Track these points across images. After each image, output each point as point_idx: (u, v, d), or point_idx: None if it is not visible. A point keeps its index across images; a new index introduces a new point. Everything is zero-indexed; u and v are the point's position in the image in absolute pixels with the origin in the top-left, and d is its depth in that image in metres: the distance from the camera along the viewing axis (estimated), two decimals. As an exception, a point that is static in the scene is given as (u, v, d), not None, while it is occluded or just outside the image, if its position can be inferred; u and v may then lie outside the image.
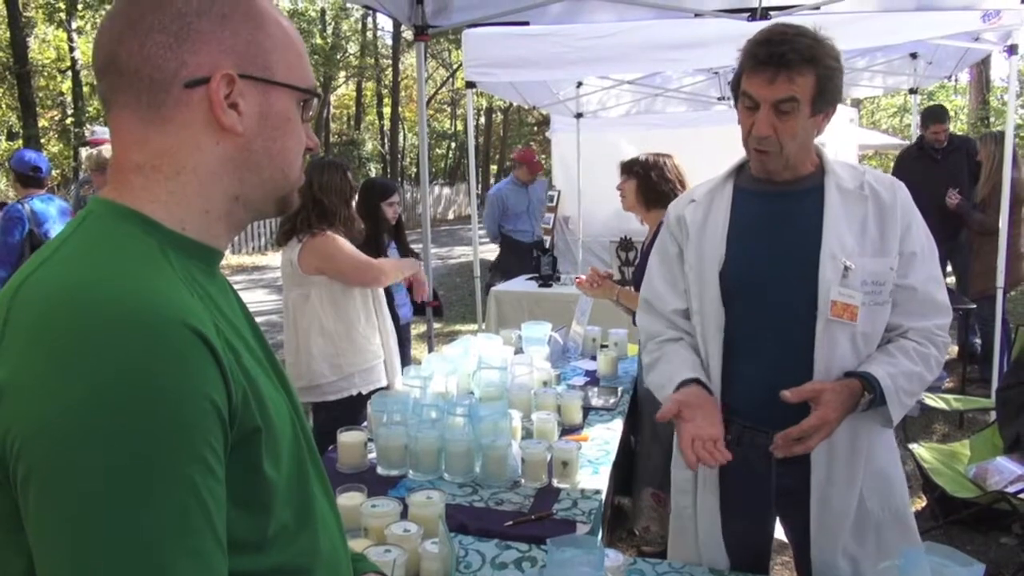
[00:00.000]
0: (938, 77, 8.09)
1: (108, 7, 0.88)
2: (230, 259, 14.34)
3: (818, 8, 4.17)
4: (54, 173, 17.81)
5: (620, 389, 2.95)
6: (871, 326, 1.69)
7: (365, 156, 29.10)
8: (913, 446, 3.64)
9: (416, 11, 4.20)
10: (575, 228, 8.69)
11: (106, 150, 4.47)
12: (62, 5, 18.24)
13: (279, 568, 0.83)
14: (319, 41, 25.01)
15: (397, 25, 22.58)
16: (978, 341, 5.62)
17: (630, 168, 3.16)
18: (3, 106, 20.30)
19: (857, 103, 16.90)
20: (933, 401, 4.13)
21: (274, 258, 13.39)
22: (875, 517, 1.75)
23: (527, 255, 6.11)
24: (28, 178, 4.58)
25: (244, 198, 0.88)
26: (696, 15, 4.43)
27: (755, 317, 1.73)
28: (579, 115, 8.32)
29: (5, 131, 20.91)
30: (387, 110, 30.38)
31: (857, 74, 7.30)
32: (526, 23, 4.72)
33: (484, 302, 5.69)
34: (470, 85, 5.71)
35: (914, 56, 6.83)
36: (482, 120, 33.09)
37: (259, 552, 0.81)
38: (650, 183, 3.07)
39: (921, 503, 3.69)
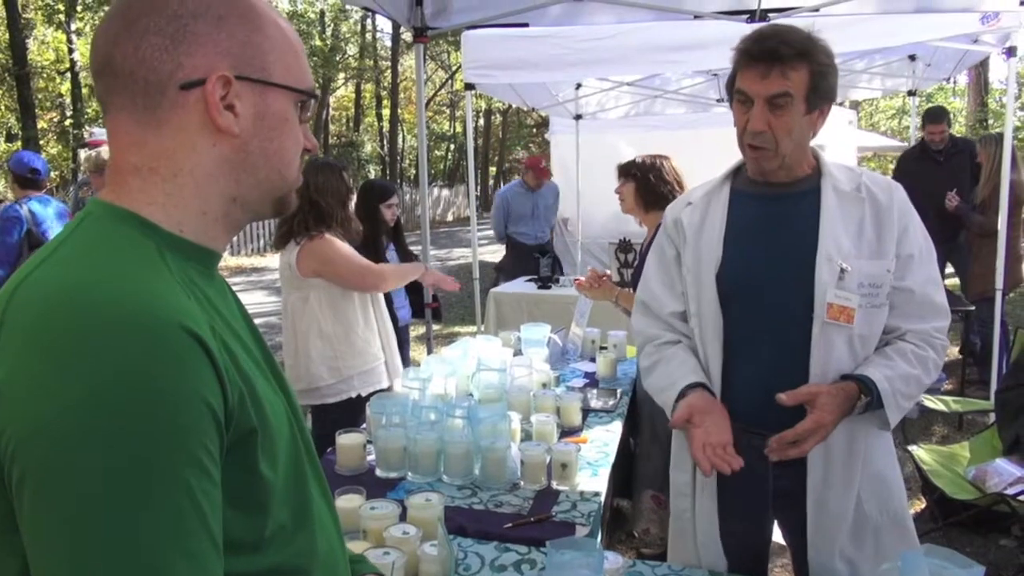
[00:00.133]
0: (937, 79, 8.10)
1: (107, 9, 0.88)
2: (229, 260, 14.35)
3: (817, 10, 4.17)
4: (53, 175, 17.81)
5: (619, 391, 2.94)
6: (868, 328, 1.69)
7: (364, 158, 29.13)
8: (912, 448, 3.64)
9: (415, 13, 4.20)
10: (574, 230, 8.70)
11: (105, 152, 4.46)
12: (61, 7, 18.24)
13: (276, 569, 0.83)
14: (318, 43, 25.03)
15: (396, 27, 22.58)
16: (977, 342, 5.62)
17: (628, 170, 3.16)
18: (2, 108, 20.30)
19: (856, 105, 16.91)
20: (932, 403, 4.13)
21: (273, 260, 13.38)
22: (873, 520, 1.74)
23: (528, 257, 6.11)
24: (26, 180, 4.57)
25: (241, 199, 0.88)
26: (695, 17, 4.43)
27: (752, 319, 1.73)
28: (578, 117, 8.32)
29: (4, 133, 20.90)
30: (386, 112, 30.39)
31: (856, 76, 7.31)
32: (525, 25, 4.73)
33: (483, 304, 5.69)
34: (469, 87, 5.72)
35: (913, 58, 6.84)
36: (481, 122, 33.10)
37: (256, 553, 0.81)
38: (648, 185, 3.07)
39: (920, 505, 3.69)
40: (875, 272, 1.66)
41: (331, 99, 29.40)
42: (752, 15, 4.12)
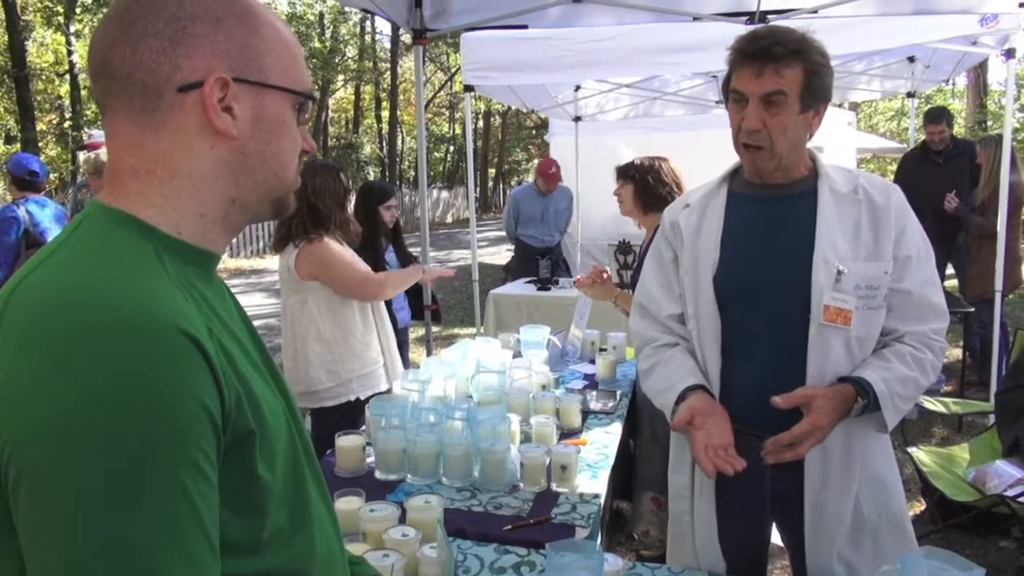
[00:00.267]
0: (936, 81, 8.11)
1: (106, 11, 0.88)
2: (228, 263, 14.35)
3: (816, 12, 4.17)
4: (52, 177, 17.81)
5: (619, 393, 2.94)
6: (865, 330, 1.68)
7: (363, 159, 29.16)
8: (912, 449, 3.64)
9: (414, 14, 4.20)
10: (573, 231, 8.70)
11: (103, 154, 4.45)
12: (60, 9, 18.26)
13: (274, 571, 0.83)
14: (318, 45, 25.05)
15: (395, 29, 22.62)
16: (977, 344, 5.61)
17: (626, 172, 3.15)
18: (1, 110, 20.31)
19: (855, 107, 16.93)
20: (932, 404, 4.13)
21: (272, 262, 13.39)
22: (871, 523, 1.74)
23: (533, 260, 6.12)
24: (24, 182, 4.58)
25: (240, 201, 0.88)
26: (694, 19, 4.43)
27: (749, 322, 1.73)
28: (577, 118, 8.33)
29: (3, 135, 20.91)
30: (385, 114, 30.41)
31: (855, 78, 7.31)
32: (525, 26, 4.73)
33: (483, 306, 5.69)
34: (468, 89, 5.72)
35: (912, 60, 6.84)
36: (480, 124, 33.15)
37: (254, 555, 0.81)
38: (647, 187, 3.07)
39: (920, 507, 3.69)
40: (872, 274, 1.66)
41: (330, 101, 29.42)
42: (751, 17, 4.12)
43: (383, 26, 31.92)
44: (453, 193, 28.78)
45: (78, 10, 18.46)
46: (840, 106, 9.76)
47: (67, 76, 19.62)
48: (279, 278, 3.23)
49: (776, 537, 1.92)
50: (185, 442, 0.69)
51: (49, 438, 0.66)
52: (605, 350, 3.44)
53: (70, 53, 18.58)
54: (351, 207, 3.38)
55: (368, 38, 31.17)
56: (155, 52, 0.80)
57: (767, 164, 1.68)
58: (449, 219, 27.61)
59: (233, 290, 0.98)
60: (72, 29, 18.52)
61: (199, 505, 0.70)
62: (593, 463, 2.29)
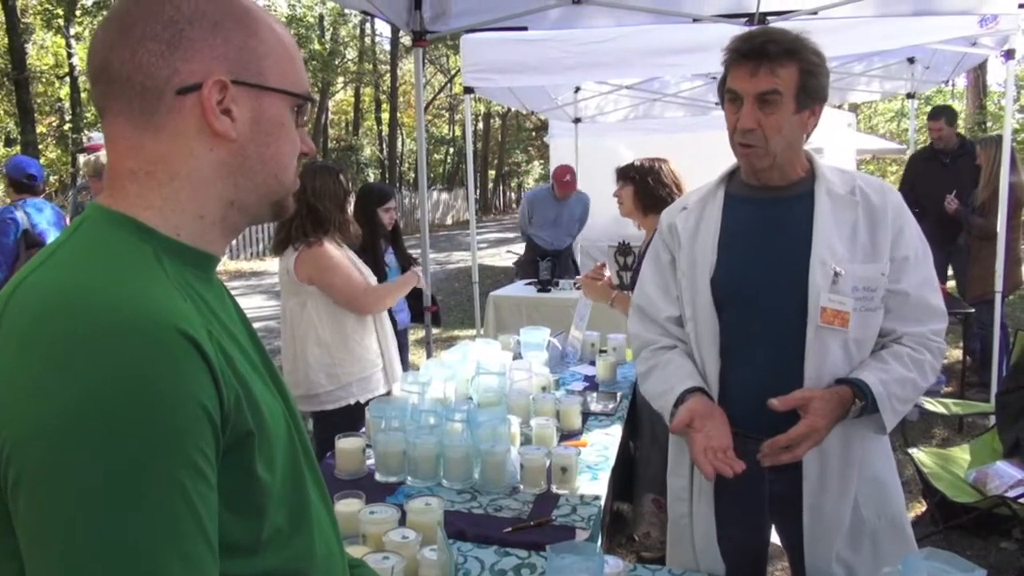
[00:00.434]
0: (935, 82, 8.12)
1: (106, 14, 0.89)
2: (228, 265, 14.36)
3: (815, 13, 4.18)
4: (52, 179, 17.84)
5: (619, 394, 2.94)
6: (863, 332, 1.68)
7: (363, 161, 29.16)
8: (913, 451, 3.64)
9: (414, 16, 4.21)
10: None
11: (103, 156, 4.43)
12: (60, 11, 18.29)
13: (273, 571, 0.84)
14: (317, 47, 25.06)
15: (395, 31, 22.64)
16: (977, 345, 5.61)
17: (626, 174, 3.16)
18: (1, 112, 20.32)
19: (854, 108, 16.94)
20: (932, 405, 4.13)
21: (272, 264, 13.40)
22: (870, 524, 1.74)
23: (538, 260, 6.12)
24: (22, 184, 4.58)
25: (239, 203, 0.88)
26: (694, 20, 4.43)
27: (747, 324, 1.73)
28: (577, 120, 8.34)
29: (3, 137, 20.92)
30: (385, 115, 30.44)
31: (854, 79, 7.32)
32: (524, 28, 4.73)
33: (482, 307, 5.68)
34: (468, 90, 5.71)
35: (911, 61, 6.85)
36: (480, 125, 33.18)
37: (253, 556, 0.81)
38: (647, 188, 3.07)
39: (921, 508, 3.68)
40: (869, 275, 1.66)
41: (330, 103, 29.44)
42: (751, 18, 4.12)
43: (383, 28, 31.99)
44: (453, 195, 28.80)
45: (78, 13, 18.49)
46: (840, 107, 9.76)
47: (67, 79, 19.64)
48: (279, 281, 3.23)
49: (776, 538, 1.92)
50: (184, 443, 0.69)
51: (49, 439, 0.66)
52: (605, 352, 3.43)
53: (70, 56, 18.60)
54: (350, 209, 3.38)
55: (368, 40, 31.21)
56: (154, 55, 0.80)
57: (762, 162, 1.68)
58: (449, 221, 27.62)
59: (233, 292, 0.98)
60: (72, 32, 18.54)
61: (198, 506, 0.70)
62: (593, 465, 2.29)
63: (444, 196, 28.04)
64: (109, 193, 0.84)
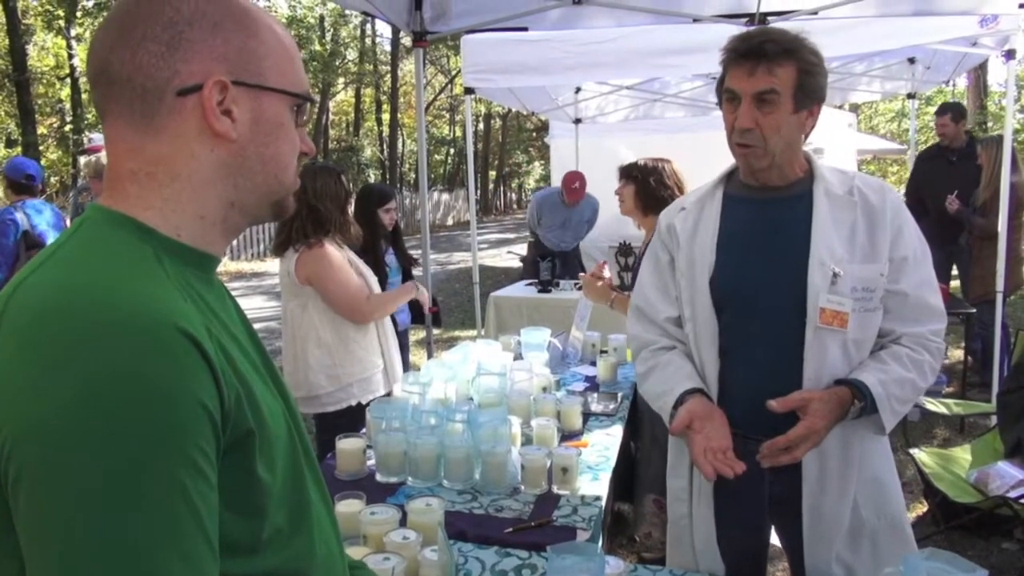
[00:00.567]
0: (936, 82, 8.10)
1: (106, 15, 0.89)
2: (229, 265, 14.36)
3: (816, 13, 4.17)
4: (53, 180, 17.85)
5: (620, 395, 2.94)
6: (862, 333, 1.68)
7: (364, 162, 29.17)
8: (914, 451, 3.63)
9: (414, 17, 4.21)
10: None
11: (104, 157, 4.44)
12: (61, 13, 18.30)
13: (273, 571, 0.84)
14: (318, 47, 25.08)
15: (396, 31, 22.65)
16: (978, 345, 5.60)
17: (629, 173, 3.16)
18: (2, 113, 20.34)
19: (855, 108, 16.93)
20: (934, 406, 4.12)
21: (273, 265, 13.40)
22: (870, 525, 1.73)
23: (543, 259, 6.12)
24: (21, 185, 4.58)
25: (239, 203, 0.89)
26: (694, 20, 4.43)
27: (746, 325, 1.72)
28: (578, 121, 8.34)
29: (4, 139, 20.94)
30: (386, 116, 30.46)
31: (855, 79, 7.31)
32: (525, 29, 4.74)
33: (483, 308, 5.68)
34: (469, 91, 5.71)
35: (912, 61, 6.84)
36: (481, 126, 33.19)
37: (253, 555, 0.81)
38: (649, 188, 3.07)
39: (922, 508, 3.68)
40: (868, 276, 1.65)
41: (331, 104, 29.46)
42: (751, 18, 4.12)
43: (383, 29, 32.01)
44: (454, 196, 28.81)
45: (79, 14, 18.50)
46: (840, 107, 9.75)
47: (68, 80, 19.66)
48: (280, 282, 3.22)
49: (775, 539, 1.92)
50: (184, 441, 0.69)
51: (48, 437, 0.66)
52: (606, 352, 3.43)
53: (71, 57, 18.62)
54: (351, 210, 3.37)
55: (368, 41, 31.22)
56: (154, 56, 0.80)
57: (760, 162, 1.68)
58: (450, 221, 27.63)
59: (234, 293, 0.98)
60: (73, 33, 18.56)
61: (198, 505, 0.70)
62: (594, 465, 2.28)
63: (445, 197, 28.05)
64: (109, 194, 0.84)
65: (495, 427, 2.15)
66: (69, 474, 0.65)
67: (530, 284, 5.85)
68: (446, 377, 2.78)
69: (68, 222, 5.00)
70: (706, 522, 1.82)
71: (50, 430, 0.66)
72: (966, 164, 5.59)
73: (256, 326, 0.95)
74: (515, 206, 40.64)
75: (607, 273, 3.40)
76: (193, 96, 0.82)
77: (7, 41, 16.66)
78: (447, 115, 35.17)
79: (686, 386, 1.73)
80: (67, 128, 19.54)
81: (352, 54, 29.46)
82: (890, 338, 1.70)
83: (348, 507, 1.80)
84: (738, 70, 1.62)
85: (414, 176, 28.68)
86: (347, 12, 25.10)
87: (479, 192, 32.70)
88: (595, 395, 2.97)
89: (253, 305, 10.01)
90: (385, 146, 30.48)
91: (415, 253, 4.42)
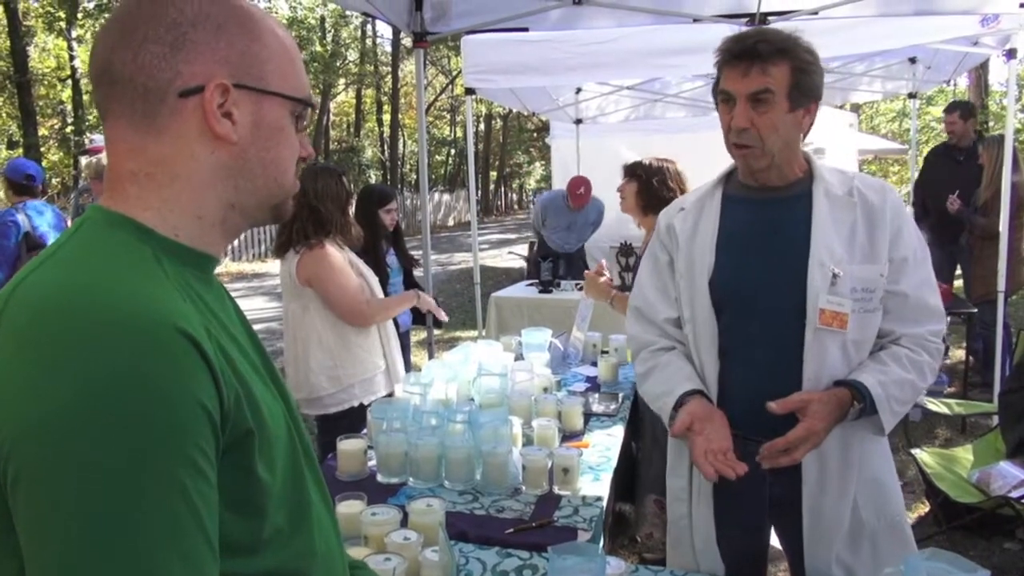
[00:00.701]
0: (937, 81, 8.10)
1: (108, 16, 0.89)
2: (229, 266, 14.37)
3: (816, 13, 4.17)
4: (54, 181, 17.87)
5: (621, 395, 2.94)
6: (861, 333, 1.67)
7: (365, 163, 29.18)
8: (915, 451, 3.62)
9: (415, 18, 4.21)
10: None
11: (105, 158, 4.45)
12: (62, 14, 18.32)
13: (273, 571, 0.84)
14: (319, 49, 25.10)
15: (396, 32, 22.66)
16: (980, 345, 5.60)
17: (633, 171, 3.16)
18: (3, 115, 20.36)
19: (856, 108, 16.92)
20: (935, 406, 4.12)
21: (273, 265, 13.40)
22: (870, 526, 1.73)
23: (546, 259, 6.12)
24: (21, 186, 4.58)
25: (239, 206, 0.89)
26: (695, 21, 4.43)
27: (746, 325, 1.72)
28: (578, 121, 8.33)
29: (5, 140, 20.96)
30: (387, 117, 30.49)
31: (856, 79, 7.31)
32: (525, 29, 4.73)
33: (484, 308, 5.68)
34: (469, 91, 5.71)
35: (913, 61, 6.83)
36: (481, 126, 33.21)
37: (253, 555, 0.81)
38: (651, 188, 3.07)
39: (924, 509, 3.67)
40: (868, 276, 1.65)
41: (332, 105, 29.48)
42: (752, 18, 4.12)
43: (384, 30, 32.03)
44: (454, 196, 28.82)
45: (80, 15, 18.52)
46: (841, 108, 9.75)
47: (69, 81, 19.69)
48: (281, 283, 3.22)
49: (775, 541, 1.92)
50: (184, 441, 0.69)
51: (48, 436, 0.66)
52: (607, 352, 3.43)
53: (72, 58, 18.65)
54: (352, 211, 3.37)
55: (369, 42, 31.24)
56: (156, 57, 0.80)
57: (759, 162, 1.67)
58: (451, 222, 27.64)
59: (234, 294, 0.98)
60: (74, 34, 18.58)
61: (198, 505, 0.70)
62: (595, 466, 2.28)
63: (445, 197, 28.06)
64: (109, 195, 0.84)
65: (496, 428, 2.15)
66: (69, 474, 0.65)
67: (531, 284, 5.85)
68: (447, 378, 2.78)
69: (69, 223, 5.00)
70: (706, 523, 1.82)
71: (50, 430, 0.66)
72: (972, 164, 5.56)
73: (257, 327, 0.95)
74: (516, 207, 40.66)
75: (607, 272, 3.40)
76: (194, 98, 0.82)
77: (8, 43, 16.69)
78: (448, 116, 35.19)
79: (686, 387, 1.73)
80: (68, 129, 19.58)
81: (353, 55, 29.48)
82: (889, 339, 1.70)
83: (349, 508, 1.80)
84: (732, 71, 1.62)
85: (415, 177, 28.69)
86: (348, 13, 25.12)
87: (480, 193, 32.73)
88: (596, 395, 2.97)
89: (254, 306, 10.02)
90: (386, 147, 30.51)
91: (416, 254, 4.42)
